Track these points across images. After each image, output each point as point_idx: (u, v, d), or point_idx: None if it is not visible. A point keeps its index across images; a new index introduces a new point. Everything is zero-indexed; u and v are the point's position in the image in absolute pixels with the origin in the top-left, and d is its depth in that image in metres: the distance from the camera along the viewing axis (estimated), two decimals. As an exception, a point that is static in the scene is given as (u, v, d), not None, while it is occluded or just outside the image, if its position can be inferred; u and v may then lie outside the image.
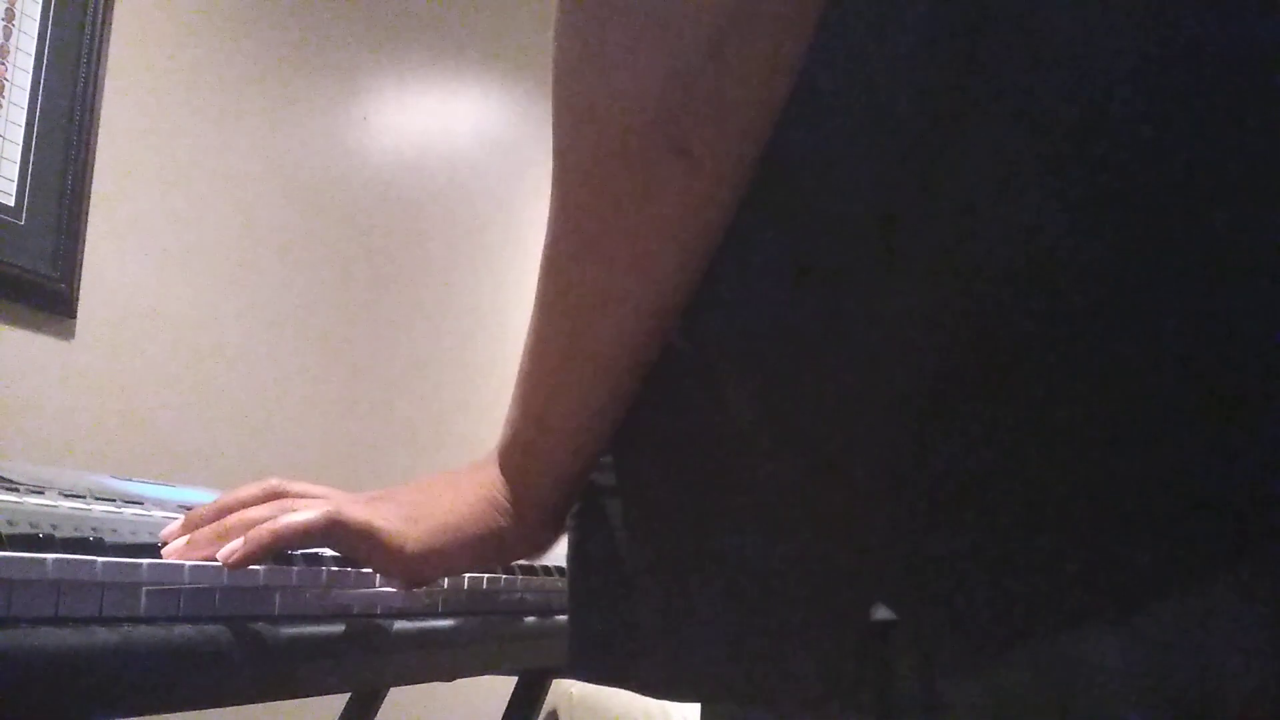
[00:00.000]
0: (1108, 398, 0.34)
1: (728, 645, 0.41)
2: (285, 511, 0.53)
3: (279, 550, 0.52)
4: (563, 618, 0.77)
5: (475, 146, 2.32)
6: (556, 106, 0.43)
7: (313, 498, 0.56)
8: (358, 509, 0.55)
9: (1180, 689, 0.32)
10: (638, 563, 0.46)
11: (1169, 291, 0.34)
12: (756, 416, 0.41)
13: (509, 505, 0.56)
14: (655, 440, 0.46)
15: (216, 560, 0.50)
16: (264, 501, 0.56)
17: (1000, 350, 0.35)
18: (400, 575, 0.58)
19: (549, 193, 0.45)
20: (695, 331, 0.44)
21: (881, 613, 0.37)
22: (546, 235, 0.46)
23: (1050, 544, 0.34)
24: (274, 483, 0.57)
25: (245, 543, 0.51)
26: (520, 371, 0.51)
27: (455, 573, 0.62)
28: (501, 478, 0.56)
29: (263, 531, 0.51)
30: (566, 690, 2.08)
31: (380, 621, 0.59)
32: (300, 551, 0.60)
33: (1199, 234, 0.34)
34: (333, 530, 0.53)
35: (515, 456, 0.55)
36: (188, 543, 0.52)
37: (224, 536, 0.52)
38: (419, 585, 0.61)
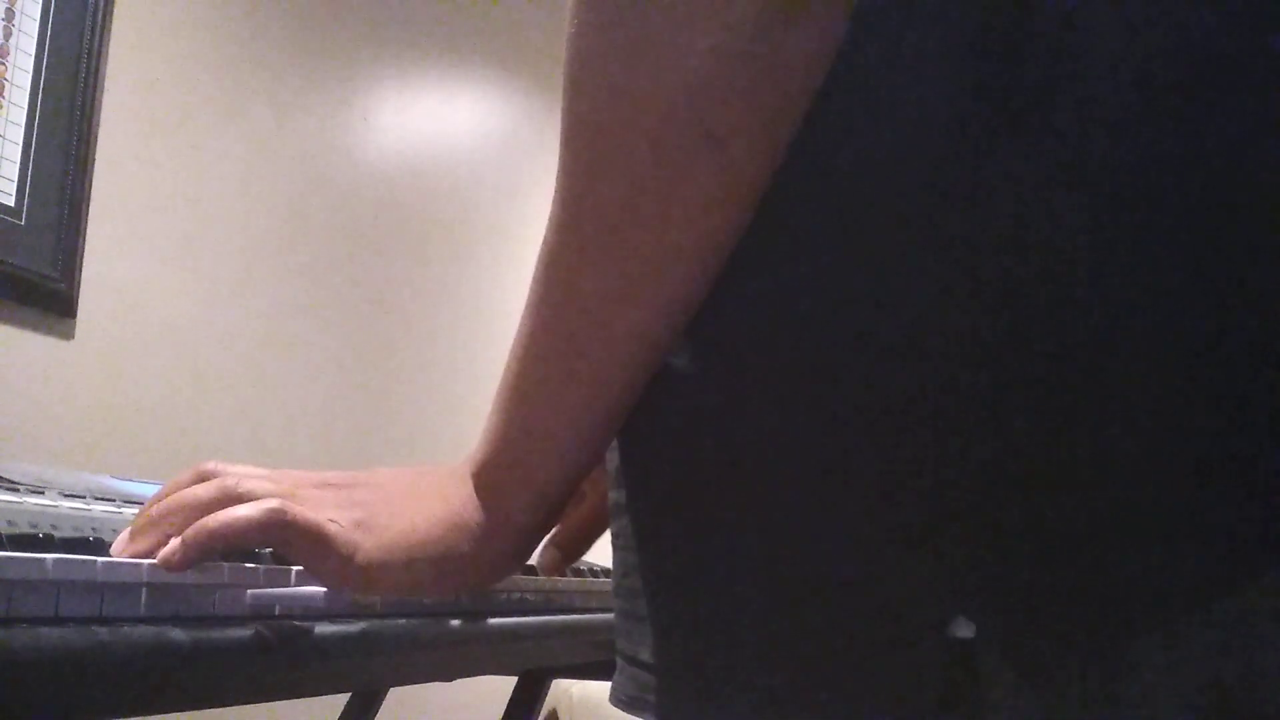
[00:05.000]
0: (1155, 405, 0.34)
1: (784, 671, 0.38)
2: (230, 499, 0.48)
3: (220, 550, 0.47)
4: (563, 618, 0.77)
5: (475, 146, 2.32)
6: (573, 87, 0.39)
7: (257, 479, 0.50)
8: (307, 509, 0.49)
9: (1223, 693, 0.32)
10: (664, 586, 0.43)
11: (1214, 300, 0.34)
12: (806, 424, 0.38)
13: (477, 529, 0.50)
14: (677, 452, 0.43)
15: (156, 556, 0.46)
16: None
17: (1045, 363, 0.35)
18: (343, 586, 0.52)
19: (551, 190, 0.43)
20: (724, 331, 0.42)
21: (962, 629, 0.35)
22: (548, 230, 0.42)
23: (1105, 554, 0.34)
24: (209, 466, 0.51)
25: (184, 545, 0.46)
26: (505, 380, 0.47)
27: (404, 593, 0.55)
28: (475, 498, 0.51)
29: (200, 533, 0.46)
30: (566, 690, 2.08)
31: (380, 621, 0.59)
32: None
33: (1257, 243, 0.34)
34: (276, 531, 0.48)
35: (495, 473, 0.50)
36: (130, 534, 0.48)
37: (158, 523, 0.48)
38: (361, 596, 0.55)
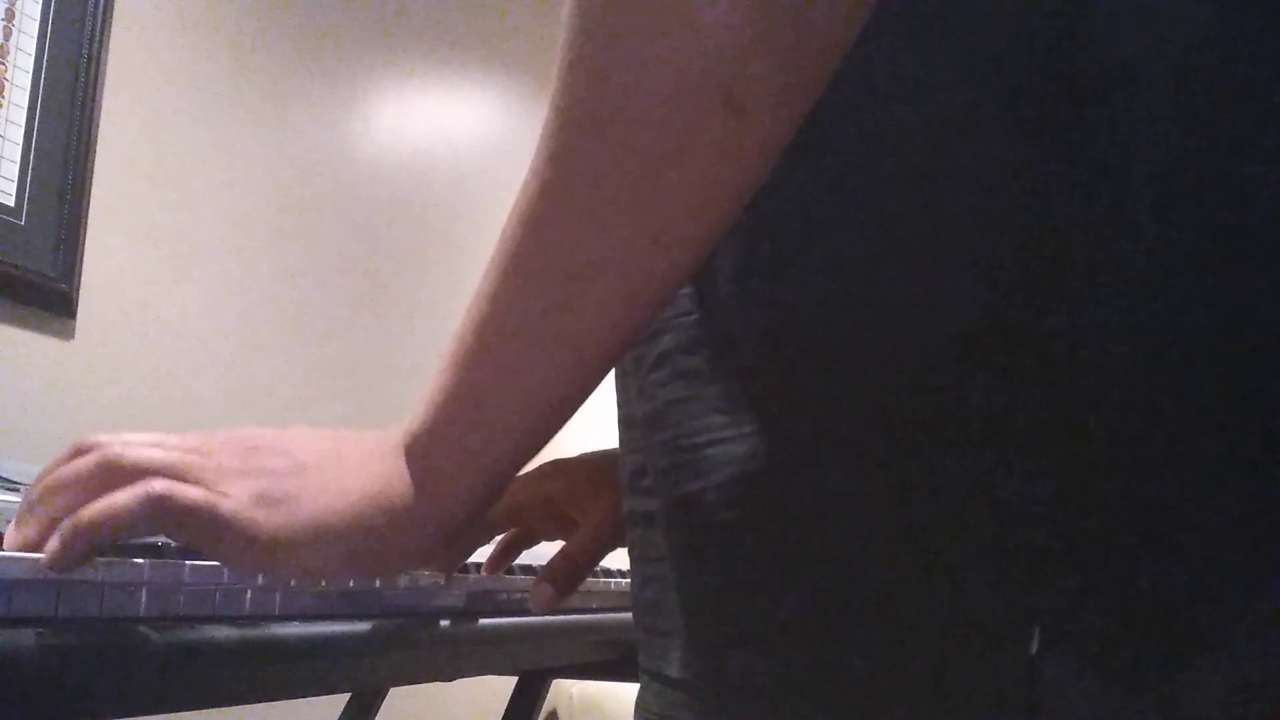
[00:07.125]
0: (1212, 417, 0.34)
1: (846, 693, 0.37)
2: (112, 470, 0.42)
3: (100, 544, 0.42)
4: (563, 618, 0.77)
5: (475, 146, 2.32)
6: (575, 45, 0.36)
7: (143, 447, 0.44)
8: (203, 481, 0.43)
9: (1266, 703, 0.33)
10: (710, 605, 0.41)
11: (1262, 312, 0.34)
12: (868, 439, 0.37)
13: (402, 510, 0.44)
14: (729, 465, 0.40)
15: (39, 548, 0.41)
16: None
17: (1108, 381, 0.34)
18: (247, 569, 0.45)
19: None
20: (780, 333, 0.40)
21: (1035, 645, 0.34)
22: (527, 187, 0.38)
23: (1167, 570, 0.34)
24: (90, 439, 0.45)
25: (61, 546, 0.40)
26: (457, 346, 0.42)
27: (309, 575, 0.47)
28: (405, 474, 0.45)
29: (74, 532, 0.40)
30: (566, 690, 2.08)
31: (380, 621, 0.59)
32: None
33: None
34: (161, 516, 0.41)
35: (433, 447, 0.44)
36: (15, 523, 0.43)
37: (37, 506, 0.43)
38: (264, 578, 0.48)
